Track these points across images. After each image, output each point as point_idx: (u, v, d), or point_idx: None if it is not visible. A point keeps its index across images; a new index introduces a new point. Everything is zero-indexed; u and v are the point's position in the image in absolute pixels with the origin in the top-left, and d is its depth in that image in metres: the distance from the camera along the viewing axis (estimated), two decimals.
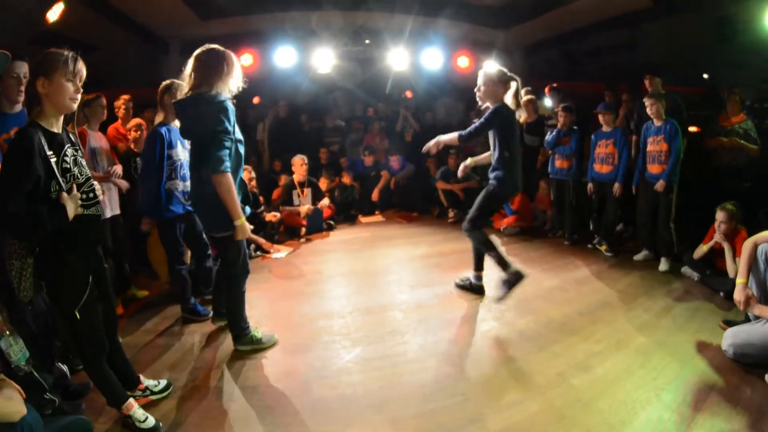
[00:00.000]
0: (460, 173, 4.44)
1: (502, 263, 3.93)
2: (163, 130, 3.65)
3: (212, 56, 2.96)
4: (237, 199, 2.93)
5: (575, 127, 5.76)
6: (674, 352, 3.29)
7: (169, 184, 3.69)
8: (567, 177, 5.90)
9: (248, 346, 3.39)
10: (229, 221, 2.96)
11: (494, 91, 3.95)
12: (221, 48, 3.00)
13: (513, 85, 3.91)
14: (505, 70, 3.99)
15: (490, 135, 4.02)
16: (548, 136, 5.94)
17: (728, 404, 2.68)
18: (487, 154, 4.24)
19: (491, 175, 4.06)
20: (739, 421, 2.55)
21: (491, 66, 4.03)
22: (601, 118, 5.54)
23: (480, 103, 4.08)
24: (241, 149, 3.10)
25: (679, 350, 3.31)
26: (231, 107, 2.95)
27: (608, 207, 5.59)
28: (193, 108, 2.93)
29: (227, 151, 2.87)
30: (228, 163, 2.85)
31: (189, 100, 2.95)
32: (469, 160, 4.40)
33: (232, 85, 3.01)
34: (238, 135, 3.08)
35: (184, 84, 3.01)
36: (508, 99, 3.92)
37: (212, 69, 2.93)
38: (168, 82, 3.67)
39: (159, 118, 3.74)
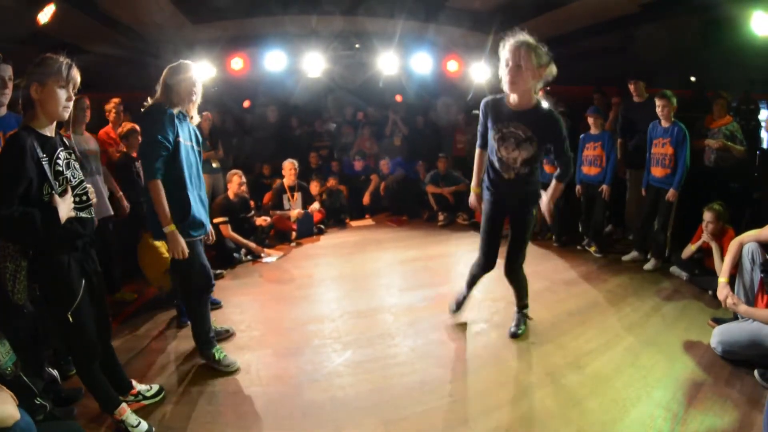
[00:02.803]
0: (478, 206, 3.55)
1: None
2: None
3: (169, 71, 3.05)
4: (165, 205, 2.88)
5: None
6: (664, 350, 3.32)
7: None
8: None
9: (207, 360, 3.26)
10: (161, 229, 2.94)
11: (535, 77, 2.91)
12: (181, 62, 3.09)
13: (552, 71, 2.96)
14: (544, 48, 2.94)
15: (530, 147, 3.09)
16: None
17: (718, 400, 2.72)
18: (479, 161, 3.48)
19: (533, 196, 3.35)
20: (729, 416, 2.58)
21: (531, 40, 2.89)
22: (590, 120, 5.59)
23: (507, 89, 2.99)
24: (192, 158, 3.12)
25: (669, 348, 3.34)
26: (170, 115, 2.95)
27: (596, 208, 5.63)
28: (142, 120, 3.12)
29: (156, 160, 2.86)
30: (156, 170, 2.86)
31: (141, 113, 3.06)
32: (473, 196, 3.54)
33: (182, 95, 3.05)
34: (185, 141, 3.05)
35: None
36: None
37: (164, 81, 3.03)
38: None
39: None
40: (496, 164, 3.26)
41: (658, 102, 4.84)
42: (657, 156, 4.92)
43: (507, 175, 3.23)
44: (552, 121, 3.01)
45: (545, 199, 3.30)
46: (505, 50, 2.92)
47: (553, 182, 3.23)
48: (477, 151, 3.50)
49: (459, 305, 3.92)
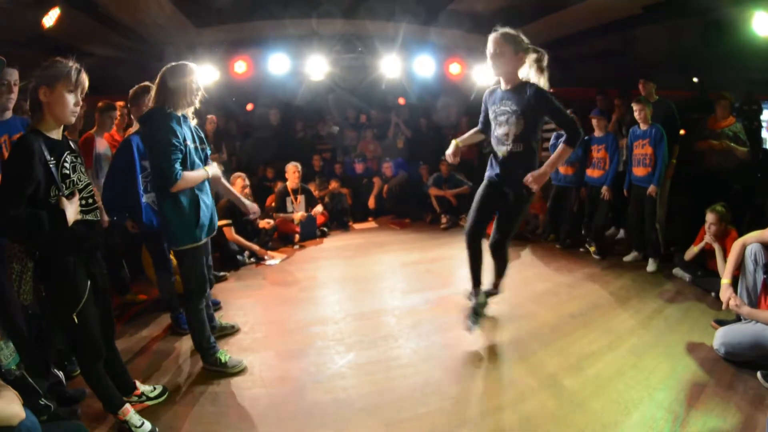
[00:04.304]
0: (452, 158, 3.56)
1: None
2: (136, 140, 3.55)
3: (169, 73, 2.96)
4: (196, 173, 2.98)
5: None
6: (666, 352, 3.32)
7: (147, 197, 3.59)
8: (570, 184, 5.95)
9: (213, 366, 3.25)
10: (176, 237, 3.02)
11: (513, 61, 3.22)
12: (183, 63, 3.01)
13: (533, 56, 3.27)
14: (523, 37, 3.27)
15: (517, 122, 3.22)
16: (552, 141, 5.94)
17: (720, 402, 2.71)
18: (471, 133, 3.67)
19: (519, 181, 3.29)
20: (731, 418, 2.57)
21: (506, 30, 3.27)
22: (594, 123, 5.62)
23: (493, 73, 3.36)
24: (195, 158, 3.07)
25: (671, 350, 3.34)
26: (176, 118, 2.93)
27: (599, 210, 5.65)
28: (146, 123, 3.00)
29: (176, 162, 2.85)
30: (178, 170, 2.85)
31: (143, 117, 3.03)
32: (454, 144, 3.57)
33: (186, 99, 2.99)
34: (191, 144, 3.03)
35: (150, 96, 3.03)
36: (523, 73, 3.29)
37: (164, 84, 2.95)
38: (135, 88, 3.62)
39: (134, 128, 3.70)
40: (493, 143, 3.45)
41: (634, 107, 5.08)
42: (638, 156, 5.13)
43: (501, 152, 3.36)
44: (540, 95, 3.17)
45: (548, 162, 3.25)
46: (489, 41, 3.25)
47: (561, 146, 3.21)
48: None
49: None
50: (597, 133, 5.65)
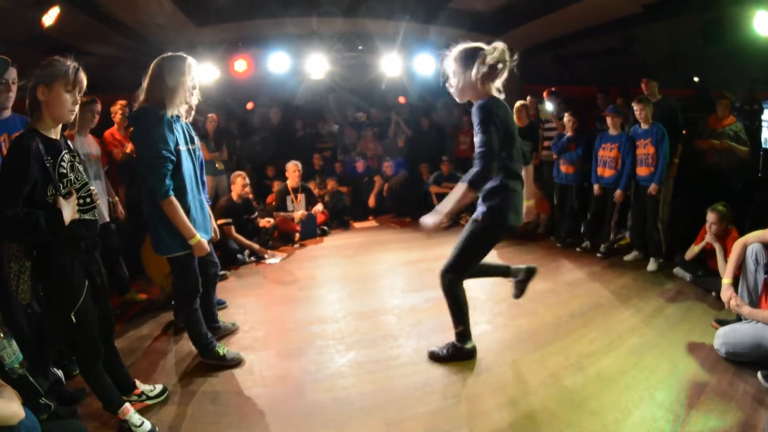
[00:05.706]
0: None
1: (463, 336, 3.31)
2: None
3: (162, 65, 2.80)
4: (185, 218, 2.83)
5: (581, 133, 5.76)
6: (667, 351, 3.31)
7: None
8: (571, 182, 5.93)
9: (212, 360, 3.26)
10: (166, 243, 2.90)
11: (471, 79, 2.92)
12: (180, 56, 2.83)
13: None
14: (481, 45, 2.91)
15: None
16: (555, 141, 5.95)
17: (721, 402, 2.70)
18: None
19: (481, 203, 2.96)
20: (731, 418, 2.56)
21: (458, 48, 3.03)
22: (609, 120, 5.47)
23: (458, 100, 3.12)
24: (190, 163, 2.97)
25: (672, 350, 3.33)
26: (168, 122, 2.77)
27: (607, 210, 5.63)
28: (136, 123, 2.87)
29: (166, 177, 2.73)
30: (168, 186, 2.73)
31: (134, 114, 2.87)
32: None
33: (182, 97, 2.84)
34: (183, 147, 2.90)
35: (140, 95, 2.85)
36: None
37: (157, 78, 2.78)
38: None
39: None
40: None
41: (635, 107, 5.06)
42: (641, 156, 5.12)
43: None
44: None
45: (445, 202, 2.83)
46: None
47: (459, 183, 2.76)
48: None
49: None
50: (611, 131, 5.47)
